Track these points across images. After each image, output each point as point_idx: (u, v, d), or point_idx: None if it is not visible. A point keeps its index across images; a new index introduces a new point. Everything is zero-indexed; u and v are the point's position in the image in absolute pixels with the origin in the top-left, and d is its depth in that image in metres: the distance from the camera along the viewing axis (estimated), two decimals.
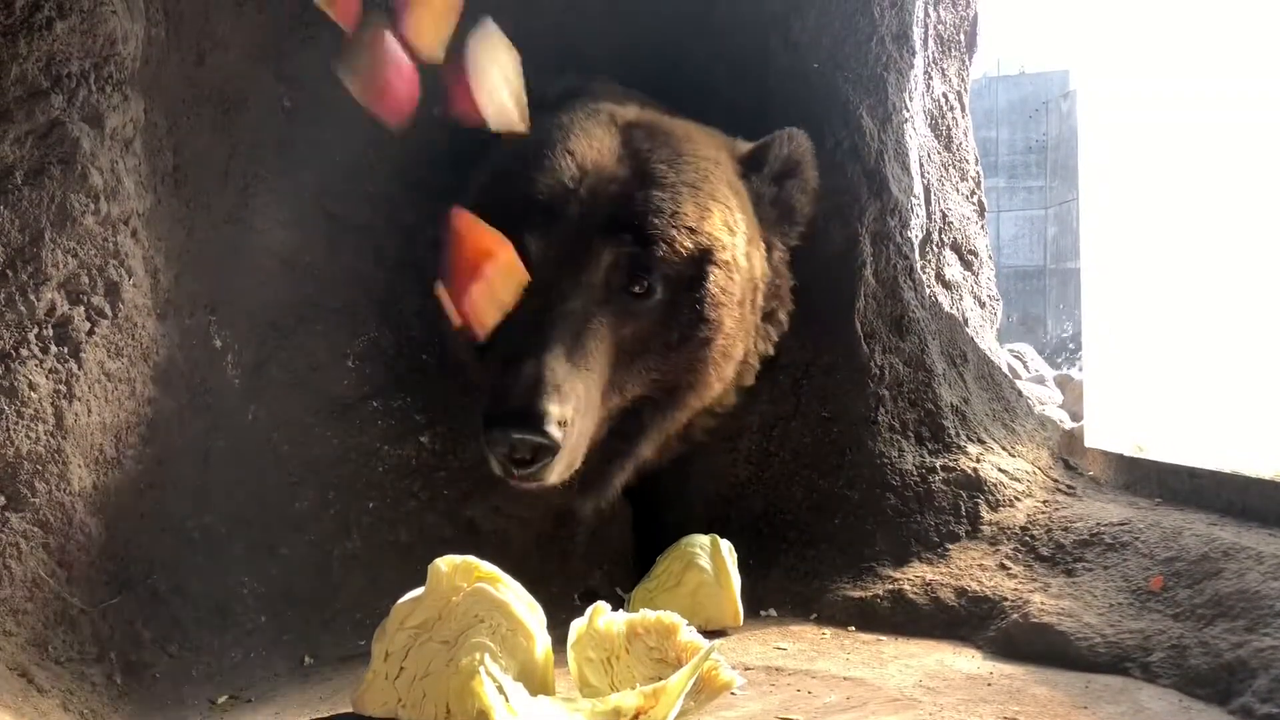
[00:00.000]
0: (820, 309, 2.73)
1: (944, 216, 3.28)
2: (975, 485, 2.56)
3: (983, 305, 3.47)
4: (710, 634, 2.17)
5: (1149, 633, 2.05)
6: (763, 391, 2.73)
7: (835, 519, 2.60)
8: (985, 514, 2.52)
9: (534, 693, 1.74)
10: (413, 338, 2.57)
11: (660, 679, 1.71)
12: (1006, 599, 2.28)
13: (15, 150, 1.85)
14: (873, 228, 2.76)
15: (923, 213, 3.06)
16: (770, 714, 1.85)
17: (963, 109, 3.50)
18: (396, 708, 1.79)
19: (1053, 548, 2.38)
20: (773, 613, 2.48)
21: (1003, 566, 2.38)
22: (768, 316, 2.63)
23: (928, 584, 2.39)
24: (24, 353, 1.86)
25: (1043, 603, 2.21)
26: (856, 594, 2.44)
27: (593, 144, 2.38)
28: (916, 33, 2.96)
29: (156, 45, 2.12)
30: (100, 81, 1.95)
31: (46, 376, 1.89)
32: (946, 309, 3.02)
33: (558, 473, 2.17)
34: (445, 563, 1.85)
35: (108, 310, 2.00)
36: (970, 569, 2.40)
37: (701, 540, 2.42)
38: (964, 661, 2.16)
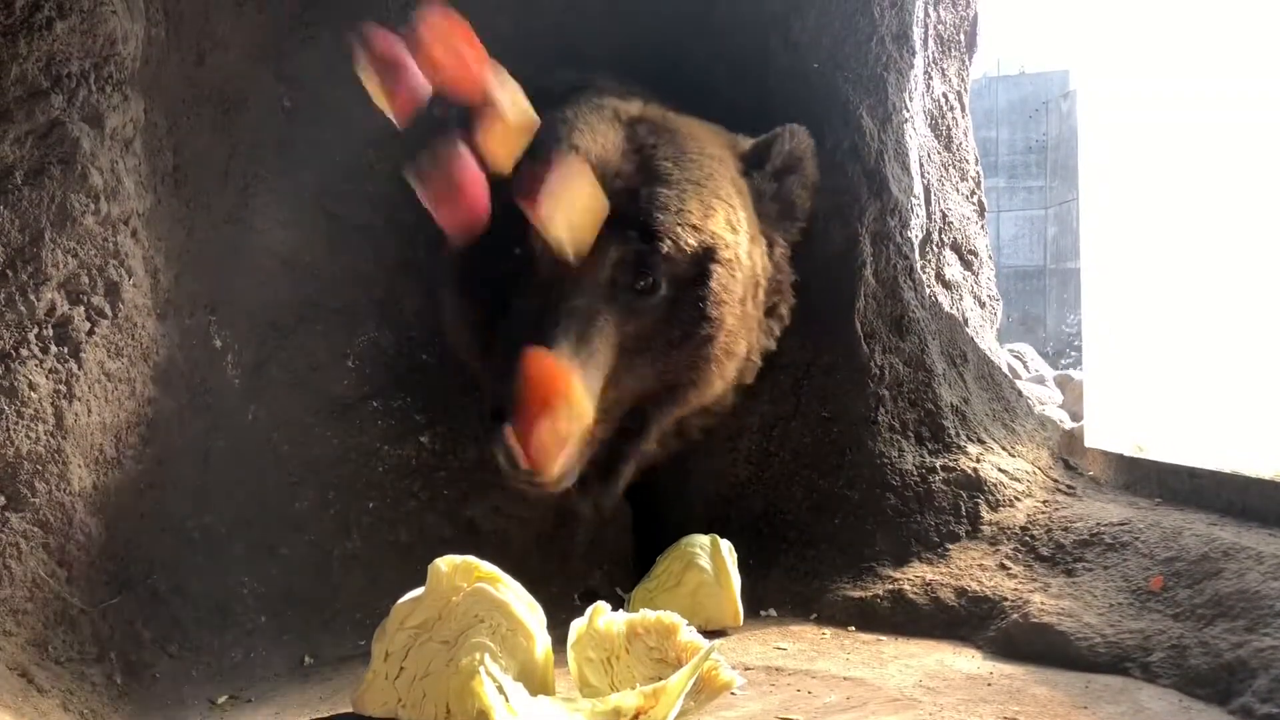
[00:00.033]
0: (820, 309, 2.73)
1: (944, 216, 3.28)
2: (975, 485, 2.56)
3: (983, 305, 3.47)
4: (710, 634, 2.17)
5: (1149, 633, 2.05)
6: (763, 391, 2.73)
7: (835, 519, 2.60)
8: (985, 514, 2.52)
9: (534, 693, 1.74)
10: (413, 338, 2.57)
11: (660, 679, 1.71)
12: (1006, 599, 2.28)
13: (15, 150, 1.85)
14: (873, 228, 2.76)
15: (923, 213, 3.06)
16: (770, 714, 1.85)
17: (963, 109, 3.50)
18: (396, 708, 1.79)
19: (1053, 548, 2.38)
20: (773, 613, 2.48)
21: (1003, 566, 2.38)
22: (770, 311, 2.64)
23: (928, 584, 2.39)
24: (24, 353, 1.86)
25: (1043, 603, 2.21)
26: (856, 594, 2.44)
27: (598, 139, 2.38)
28: (916, 33, 2.96)
29: (156, 45, 2.12)
30: (100, 81, 1.95)
31: (46, 376, 1.89)
32: (946, 309, 3.02)
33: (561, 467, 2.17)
34: (445, 563, 1.85)
35: (108, 310, 2.00)
36: (970, 569, 2.40)
37: (701, 540, 2.42)
38: (964, 661, 2.16)
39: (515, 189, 2.10)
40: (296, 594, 2.26)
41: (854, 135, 2.79)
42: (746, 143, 2.62)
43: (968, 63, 3.54)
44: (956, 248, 3.36)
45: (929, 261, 3.15)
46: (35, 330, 1.88)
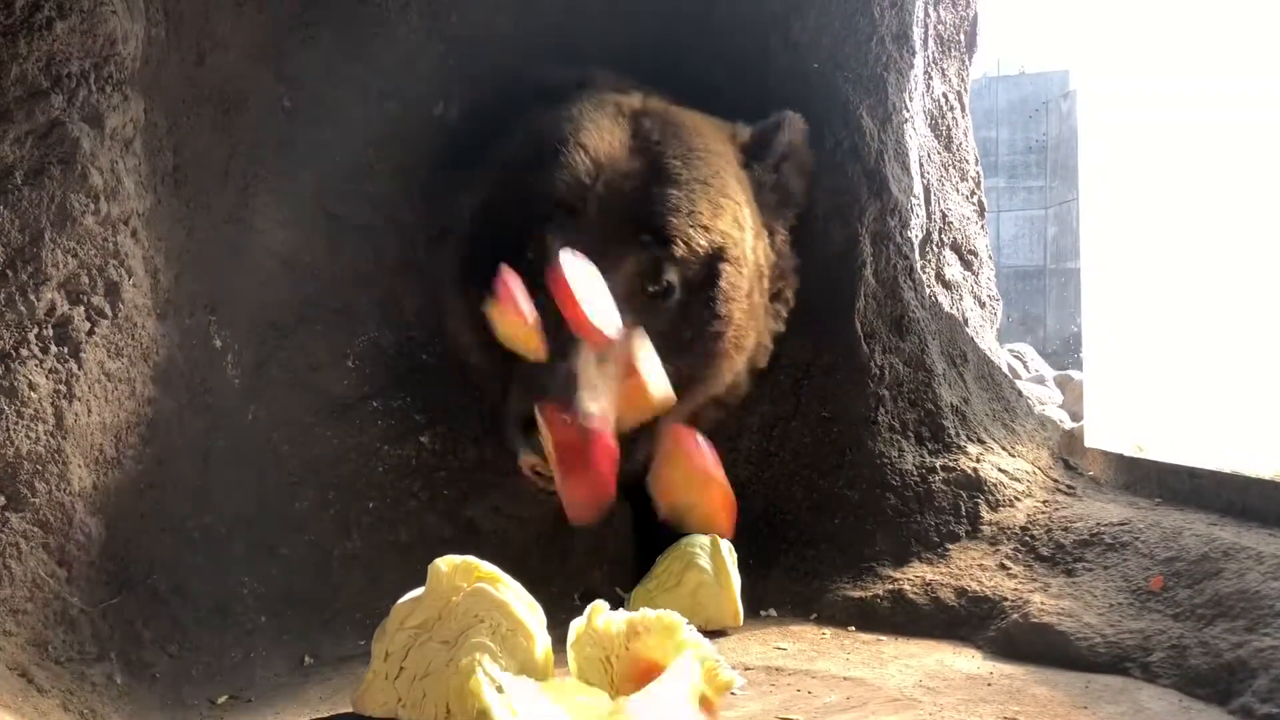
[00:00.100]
0: (820, 309, 2.73)
1: (944, 216, 3.28)
2: (975, 485, 2.56)
3: (983, 305, 3.47)
4: (710, 634, 2.17)
5: (1149, 633, 2.05)
6: (763, 391, 2.73)
7: (835, 519, 2.60)
8: (985, 514, 2.52)
9: None
10: (413, 338, 2.57)
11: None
12: (1006, 599, 2.28)
13: (15, 150, 1.84)
14: (873, 228, 2.76)
15: (923, 213, 3.06)
16: (770, 714, 1.85)
17: (963, 109, 3.50)
18: (396, 708, 1.79)
19: (1053, 548, 2.38)
20: (773, 613, 2.48)
21: (1003, 566, 2.38)
22: (775, 296, 2.66)
23: (928, 584, 2.39)
24: (24, 353, 1.86)
25: (1043, 603, 2.21)
26: (856, 594, 2.44)
27: (604, 137, 2.38)
28: (916, 33, 2.96)
29: (156, 45, 2.12)
30: (100, 81, 1.95)
31: (46, 376, 1.89)
32: (946, 309, 3.03)
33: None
34: (445, 563, 1.85)
35: (108, 310, 2.00)
36: (970, 569, 2.40)
37: (701, 540, 2.42)
38: (964, 661, 2.15)
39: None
40: (296, 594, 2.26)
41: (854, 135, 2.79)
42: (745, 132, 2.63)
43: (968, 63, 3.54)
44: (956, 248, 3.36)
45: (929, 261, 3.15)
46: (35, 330, 1.88)
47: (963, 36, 3.50)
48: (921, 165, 3.10)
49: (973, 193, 3.49)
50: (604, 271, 2.23)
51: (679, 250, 2.32)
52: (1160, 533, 2.25)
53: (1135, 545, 2.26)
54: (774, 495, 2.70)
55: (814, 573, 2.54)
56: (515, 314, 1.96)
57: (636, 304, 2.29)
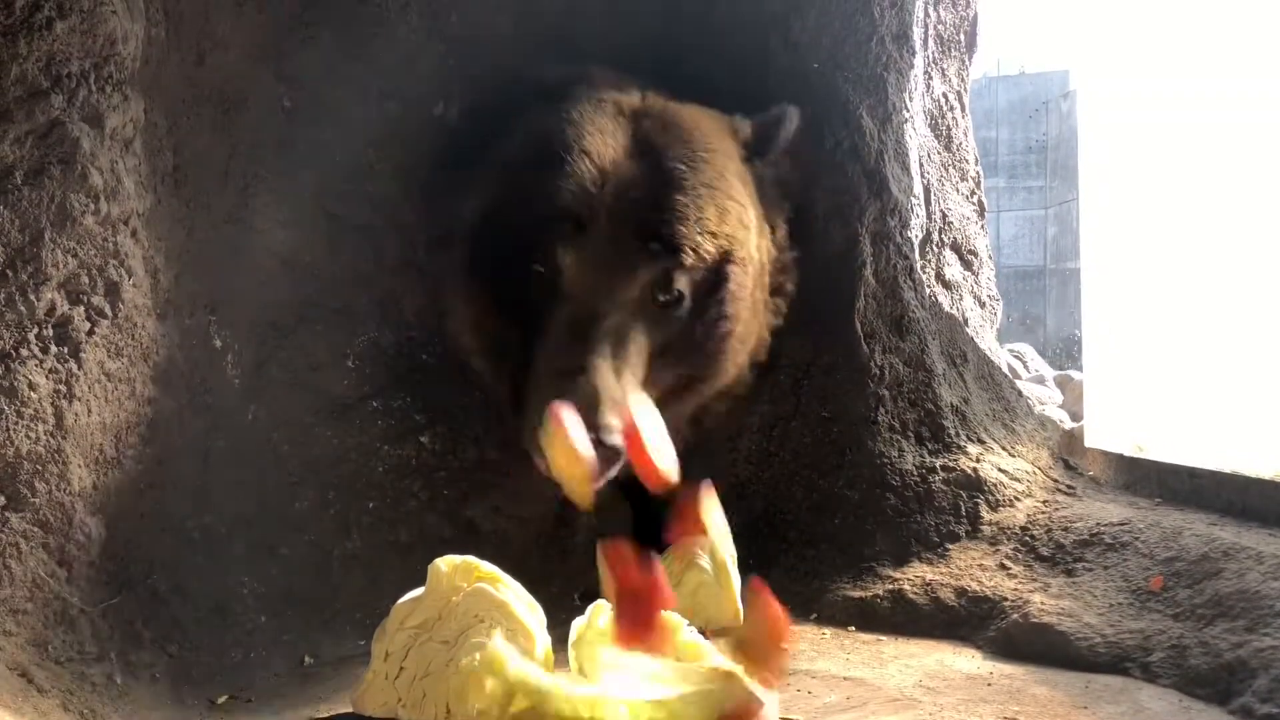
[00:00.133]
0: (820, 309, 2.73)
1: (944, 216, 3.29)
2: (975, 485, 2.56)
3: (983, 305, 3.47)
4: (709, 635, 2.17)
5: (1149, 633, 2.05)
6: (763, 391, 2.73)
7: (835, 519, 2.60)
8: (985, 514, 2.52)
9: None
10: (413, 338, 2.57)
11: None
12: (1006, 599, 2.28)
13: (15, 150, 1.84)
14: (873, 228, 2.76)
15: (923, 213, 3.06)
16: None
17: (963, 109, 3.50)
18: (396, 708, 1.79)
19: (1053, 548, 2.38)
20: None
21: (1003, 566, 2.38)
22: (775, 290, 2.67)
23: (928, 584, 2.39)
24: (24, 353, 1.86)
25: (1043, 603, 2.21)
26: (856, 594, 2.44)
27: (607, 141, 2.37)
28: (916, 33, 2.96)
29: (156, 45, 2.12)
30: (100, 81, 1.94)
31: (46, 376, 1.89)
32: (946, 309, 3.03)
33: (612, 474, 2.21)
34: (445, 563, 1.85)
35: (108, 310, 2.00)
36: (970, 569, 2.40)
37: (701, 540, 2.42)
38: (964, 661, 2.15)
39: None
40: (296, 594, 2.26)
41: (854, 135, 2.79)
42: (746, 127, 2.62)
43: (968, 63, 3.54)
44: (956, 248, 3.36)
45: (929, 261, 3.15)
46: (35, 330, 1.88)
47: (963, 36, 3.50)
48: (921, 165, 3.10)
49: (973, 193, 3.49)
50: (616, 285, 2.27)
51: (688, 259, 2.33)
52: (1160, 533, 2.25)
53: (1135, 545, 2.26)
54: (774, 495, 2.70)
55: (814, 573, 2.54)
56: (570, 452, 1.93)
57: (648, 314, 2.31)
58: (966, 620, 2.30)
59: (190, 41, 2.23)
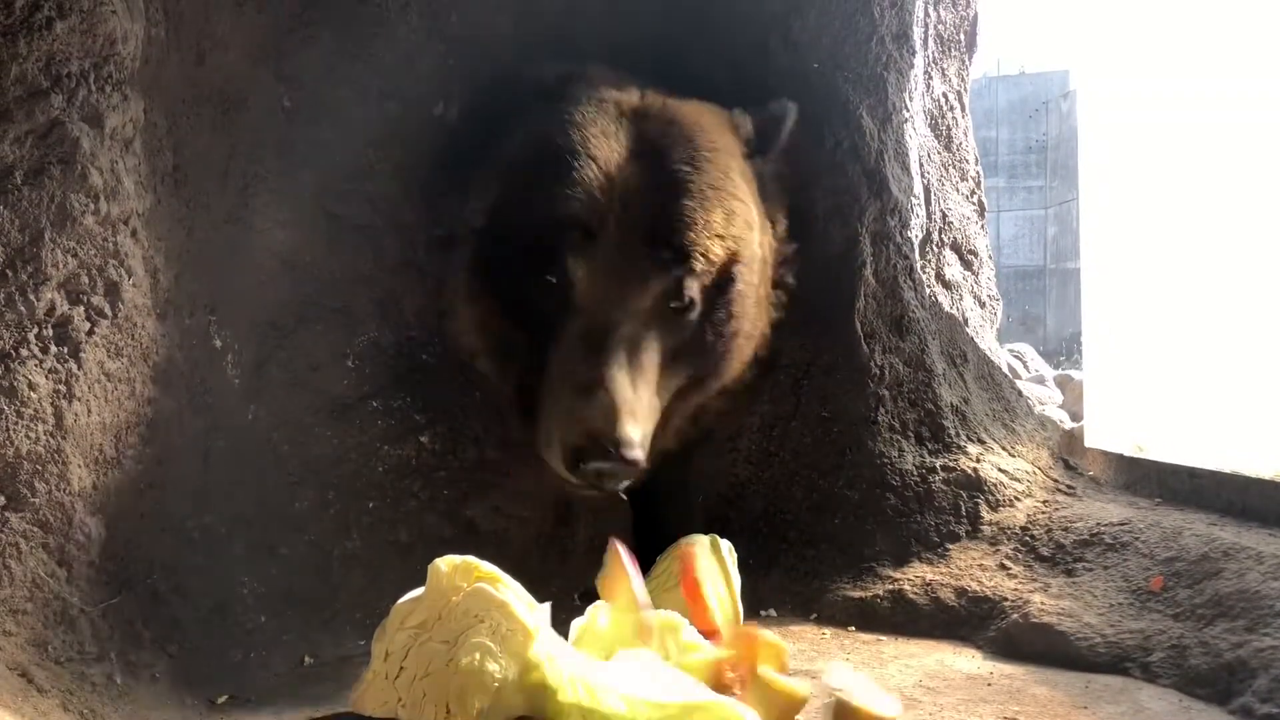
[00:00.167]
0: (820, 309, 2.73)
1: (944, 216, 3.28)
2: (975, 485, 2.56)
3: (983, 305, 3.47)
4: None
5: (1149, 633, 2.05)
6: (763, 391, 2.73)
7: (835, 519, 2.60)
8: (985, 514, 2.52)
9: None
10: (413, 338, 2.56)
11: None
12: (1006, 599, 2.28)
13: (15, 150, 1.84)
14: (873, 228, 2.76)
15: (923, 213, 3.06)
16: None
17: (963, 109, 3.50)
18: (396, 708, 1.79)
19: (1053, 548, 2.38)
20: (773, 613, 2.48)
21: (1003, 566, 2.38)
22: (776, 283, 2.68)
23: (928, 584, 2.39)
24: (24, 353, 1.86)
25: (1043, 603, 2.21)
26: (856, 594, 2.44)
27: (611, 145, 2.37)
28: (916, 33, 2.96)
29: (156, 45, 2.12)
30: (100, 81, 1.94)
31: (46, 376, 1.89)
32: (946, 309, 3.02)
33: (625, 485, 2.28)
34: (445, 563, 1.85)
35: (108, 310, 1.99)
36: (970, 569, 2.40)
37: (701, 540, 2.42)
38: (964, 661, 2.15)
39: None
40: (296, 594, 2.26)
41: (854, 135, 2.79)
42: (747, 123, 2.62)
43: (968, 63, 3.54)
44: (956, 248, 3.36)
45: (929, 261, 3.15)
46: (35, 330, 1.88)
47: (963, 36, 3.50)
48: (921, 165, 3.10)
49: (973, 193, 3.49)
50: (629, 294, 2.29)
51: (699, 265, 2.34)
52: (1160, 533, 2.25)
53: (1135, 545, 2.26)
54: (774, 495, 2.69)
55: (814, 573, 2.54)
56: (628, 596, 1.92)
57: (660, 321, 2.33)
58: (966, 620, 2.30)
59: (190, 41, 2.22)
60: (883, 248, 2.77)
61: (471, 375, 2.57)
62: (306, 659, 2.19)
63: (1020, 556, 2.39)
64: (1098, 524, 2.37)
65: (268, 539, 2.28)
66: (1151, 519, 2.32)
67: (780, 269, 2.68)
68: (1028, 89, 12.67)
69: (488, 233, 2.45)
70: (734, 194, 2.44)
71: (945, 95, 3.40)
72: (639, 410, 2.20)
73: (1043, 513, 2.48)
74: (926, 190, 3.13)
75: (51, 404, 1.89)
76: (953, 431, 2.66)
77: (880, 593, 2.42)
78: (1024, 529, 2.45)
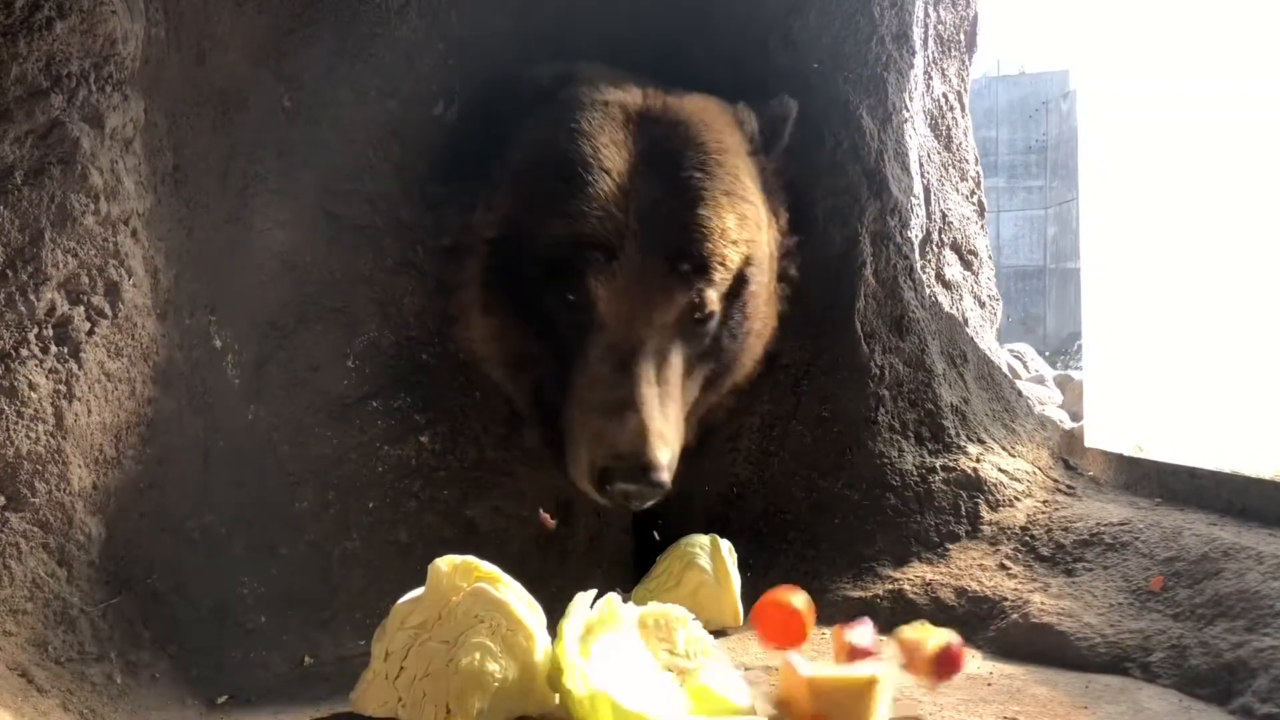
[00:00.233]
0: (820, 309, 2.73)
1: (944, 216, 3.28)
2: (975, 485, 2.56)
3: (983, 305, 3.47)
4: (710, 634, 2.17)
5: (1149, 633, 2.05)
6: (763, 391, 2.73)
7: (835, 519, 2.60)
8: (985, 514, 2.52)
9: (530, 696, 1.75)
10: (413, 338, 2.56)
11: (669, 670, 1.73)
12: (1006, 599, 2.27)
13: (15, 150, 1.84)
14: (873, 228, 2.76)
15: (923, 213, 3.06)
16: (770, 714, 1.84)
17: (963, 109, 3.50)
18: (396, 708, 1.79)
19: (1053, 548, 2.38)
20: None
21: (1003, 566, 2.38)
22: (780, 276, 2.70)
23: (928, 584, 2.39)
24: (24, 353, 1.86)
25: (1043, 603, 2.21)
26: (856, 594, 2.44)
27: (622, 154, 2.36)
28: (916, 33, 2.96)
29: (156, 45, 2.12)
30: (100, 81, 1.94)
31: (46, 376, 1.89)
32: (946, 309, 3.02)
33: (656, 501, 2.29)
34: (445, 563, 1.85)
35: (108, 310, 2.00)
36: (970, 569, 2.40)
37: (701, 540, 2.42)
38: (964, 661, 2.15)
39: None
40: (296, 594, 2.26)
41: (854, 135, 2.79)
42: (751, 119, 2.62)
43: (968, 63, 3.54)
44: (956, 248, 3.36)
45: (929, 261, 3.15)
46: (35, 330, 1.88)
47: (963, 36, 3.50)
48: (921, 165, 3.10)
49: (973, 193, 3.49)
50: (653, 310, 2.30)
51: (718, 275, 2.37)
52: (1160, 533, 2.25)
53: (1135, 545, 2.26)
54: (774, 495, 2.69)
55: (814, 573, 2.54)
56: (794, 678, 1.79)
57: (682, 333, 2.35)
58: (966, 620, 2.30)
59: (190, 41, 2.23)
60: (883, 248, 2.77)
61: (471, 375, 2.57)
62: (306, 659, 2.19)
63: (1020, 556, 2.39)
64: (1098, 524, 2.37)
65: (268, 539, 2.28)
66: (1151, 519, 2.32)
67: (783, 260, 2.70)
68: (1028, 89, 12.68)
69: (500, 244, 2.44)
70: (745, 197, 2.45)
71: (945, 95, 3.40)
72: (668, 432, 2.22)
73: (1043, 513, 2.48)
74: (926, 190, 3.13)
75: (52, 404, 1.89)
76: (953, 431, 2.66)
77: (880, 593, 2.42)
78: (1024, 529, 2.45)
